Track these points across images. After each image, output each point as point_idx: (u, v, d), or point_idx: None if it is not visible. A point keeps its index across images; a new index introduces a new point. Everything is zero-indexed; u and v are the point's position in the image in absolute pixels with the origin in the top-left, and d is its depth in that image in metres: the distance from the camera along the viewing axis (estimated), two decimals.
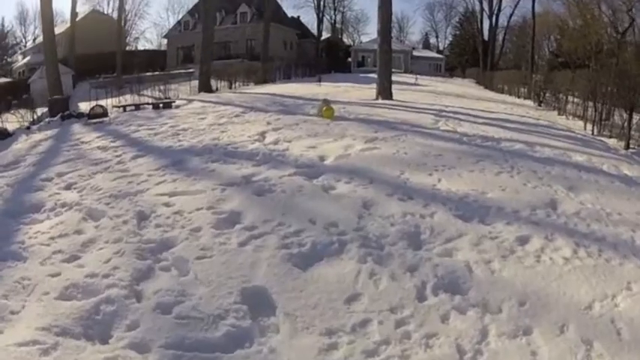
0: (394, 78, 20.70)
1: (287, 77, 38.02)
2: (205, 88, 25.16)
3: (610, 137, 13.04)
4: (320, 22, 61.71)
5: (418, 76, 41.18)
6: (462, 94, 26.12)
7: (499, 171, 7.47)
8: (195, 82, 26.28)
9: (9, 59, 67.38)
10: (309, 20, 65.32)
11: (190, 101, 18.26)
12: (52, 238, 5.12)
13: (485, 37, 54.25)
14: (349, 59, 58.02)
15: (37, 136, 12.23)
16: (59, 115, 14.85)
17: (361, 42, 67.73)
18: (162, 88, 23.38)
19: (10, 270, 4.41)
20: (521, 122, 14.27)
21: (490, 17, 52.89)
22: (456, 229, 5.16)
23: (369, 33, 72.31)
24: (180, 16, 61.89)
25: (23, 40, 72.33)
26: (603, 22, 38.45)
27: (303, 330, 3.52)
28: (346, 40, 72.39)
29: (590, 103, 14.95)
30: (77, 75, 38.66)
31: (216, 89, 26.64)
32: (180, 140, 9.96)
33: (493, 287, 4.05)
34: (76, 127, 12.99)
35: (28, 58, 53.78)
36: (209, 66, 26.55)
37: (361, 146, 8.77)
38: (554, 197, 6.36)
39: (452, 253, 4.64)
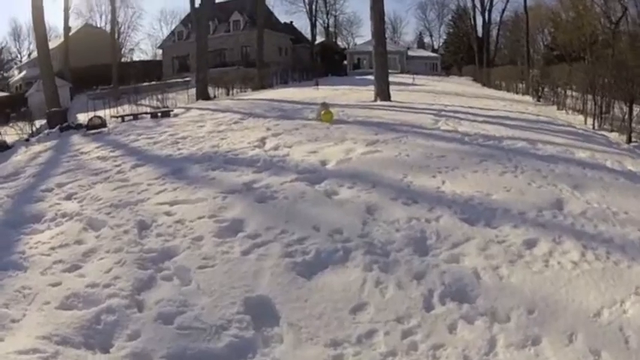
0: (391, 79, 20.62)
1: (284, 82, 38.03)
2: (203, 95, 25.17)
3: (611, 131, 12.94)
4: (313, 26, 62.01)
5: (415, 75, 41.16)
6: (460, 92, 26.09)
7: (503, 171, 7.38)
8: (193, 91, 26.33)
9: (5, 74, 67.48)
10: (303, 25, 65.73)
11: (188, 109, 18.22)
12: (53, 248, 5.08)
13: (480, 33, 54.45)
14: (345, 62, 58.12)
15: (37, 148, 12.20)
16: (58, 127, 14.85)
17: (356, 44, 67.95)
18: (159, 97, 23.43)
19: (11, 279, 4.38)
20: (522, 119, 14.21)
21: (482, 13, 53.27)
22: (462, 233, 5.06)
23: (363, 35, 72.99)
24: (173, 27, 62.41)
25: (18, 55, 72.75)
26: (596, 12, 38.49)
27: (308, 341, 3.44)
28: (340, 43, 72.72)
29: (589, 97, 14.84)
30: (74, 87, 38.85)
31: (214, 97, 26.61)
32: (179, 148, 9.90)
33: (501, 294, 3.95)
34: (75, 138, 12.97)
35: (24, 72, 54.06)
36: (205, 74, 26.57)
37: (362, 149, 8.68)
38: (560, 197, 6.25)
39: (459, 259, 4.54)
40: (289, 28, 61.33)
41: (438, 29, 77.20)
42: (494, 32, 55.91)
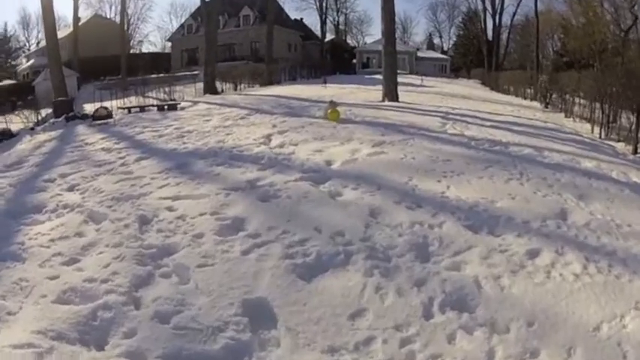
0: (400, 79, 20.57)
1: (292, 79, 38.00)
2: (210, 90, 25.17)
3: (618, 141, 12.81)
4: (323, 23, 61.70)
5: (423, 77, 41.01)
6: (467, 95, 25.97)
7: (509, 178, 7.31)
8: (200, 84, 26.33)
9: (13, 62, 67.71)
10: (312, 22, 65.65)
11: (195, 103, 18.20)
12: (52, 240, 5.08)
13: (489, 36, 54.10)
14: (354, 61, 57.99)
15: (41, 137, 12.24)
16: (64, 117, 14.86)
17: (365, 43, 67.83)
18: (167, 90, 23.40)
19: (9, 271, 4.38)
20: (529, 125, 14.10)
21: (493, 16, 52.78)
22: (465, 240, 5.00)
23: (373, 34, 72.78)
24: (183, 20, 62.46)
25: (27, 44, 72.90)
26: (606, 20, 38.28)
27: (305, 346, 3.40)
28: (350, 41, 72.53)
29: (597, 105, 14.71)
30: (82, 77, 38.90)
31: (222, 91, 26.63)
32: (184, 143, 9.88)
33: (502, 305, 3.89)
34: (81, 129, 13.00)
35: (32, 60, 54.24)
36: (214, 68, 26.57)
37: (368, 150, 8.64)
38: (565, 207, 6.18)
39: (460, 267, 4.48)
40: (299, 24, 61.22)
41: (448, 31, 76.94)
42: (504, 36, 55.63)
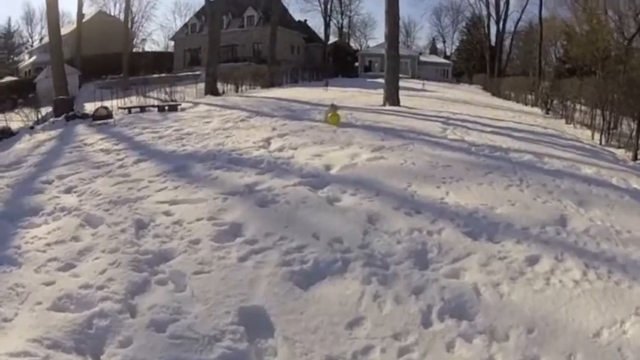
0: (401, 84, 20.58)
1: (294, 81, 37.93)
2: (212, 91, 25.14)
3: (618, 147, 12.81)
4: (327, 26, 62.00)
5: (425, 81, 41.01)
6: (469, 100, 25.96)
7: (508, 184, 7.29)
8: (202, 85, 26.31)
9: (15, 58, 67.76)
10: (316, 24, 65.76)
11: (196, 104, 18.16)
12: (49, 245, 5.03)
13: (493, 42, 54.10)
14: (356, 64, 58.01)
15: (41, 136, 12.21)
16: (64, 116, 14.81)
17: (368, 46, 67.86)
18: (168, 90, 23.36)
19: (5, 275, 4.35)
20: (530, 131, 14.08)
21: (497, 22, 52.78)
22: (464, 247, 4.97)
23: (377, 38, 72.54)
24: (187, 19, 62.31)
25: (30, 40, 73.07)
26: (610, 27, 38.21)
27: (302, 356, 3.35)
28: (353, 44, 72.56)
29: (598, 112, 14.71)
30: (83, 75, 38.96)
31: (223, 92, 26.58)
32: (184, 145, 9.85)
33: (501, 313, 3.86)
34: (80, 128, 12.96)
35: (34, 57, 54.31)
36: (215, 69, 26.55)
37: (368, 155, 8.61)
38: (564, 213, 6.17)
39: (459, 274, 4.45)
40: (303, 26, 61.25)
41: (452, 36, 76.89)
42: (507, 42, 55.51)
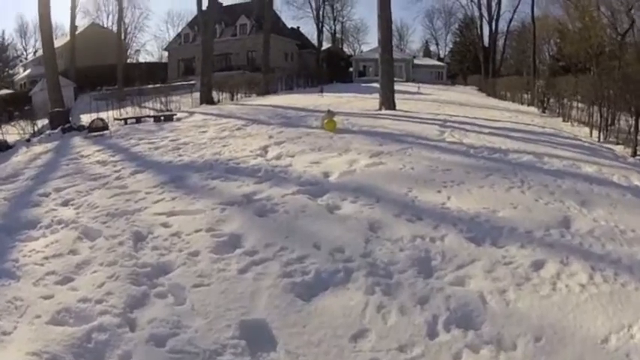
0: (396, 87, 20.55)
1: (289, 88, 38.02)
2: (207, 100, 25.15)
3: (617, 144, 12.80)
4: (320, 32, 62.21)
5: (420, 84, 41.03)
6: (465, 102, 25.97)
7: (509, 186, 7.21)
8: (197, 94, 26.33)
9: (10, 71, 67.75)
10: (309, 31, 65.77)
11: (192, 114, 18.14)
12: (47, 258, 4.97)
13: (486, 43, 54.29)
14: (350, 69, 58.14)
15: (37, 149, 12.21)
16: (60, 128, 14.84)
17: (362, 51, 68.11)
18: (163, 100, 23.35)
19: (3, 289, 4.31)
20: (527, 131, 14.04)
21: (490, 23, 53.08)
22: (468, 253, 4.88)
23: (370, 42, 72.85)
24: (179, 29, 62.51)
25: (24, 53, 73.06)
26: (603, 23, 38.36)
27: None
28: (347, 49, 72.87)
29: (595, 109, 14.68)
30: (78, 87, 38.96)
31: (218, 101, 26.59)
32: (180, 155, 9.81)
33: (508, 321, 3.77)
34: (77, 140, 12.97)
35: (29, 70, 54.28)
36: (210, 78, 26.55)
37: (366, 161, 8.54)
38: (567, 214, 6.09)
39: (464, 282, 4.35)
40: (296, 33, 61.45)
41: (445, 38, 77.20)
42: (500, 42, 55.73)
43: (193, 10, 49.10)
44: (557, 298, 4.11)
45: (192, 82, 34.57)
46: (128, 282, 4.31)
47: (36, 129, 17.12)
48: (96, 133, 13.68)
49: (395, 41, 60.74)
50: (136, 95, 25.34)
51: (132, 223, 5.78)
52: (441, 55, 75.99)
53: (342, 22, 71.63)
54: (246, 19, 52.37)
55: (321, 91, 29.74)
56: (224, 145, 10.53)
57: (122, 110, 21.09)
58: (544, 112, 21.82)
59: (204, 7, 28.42)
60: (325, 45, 64.30)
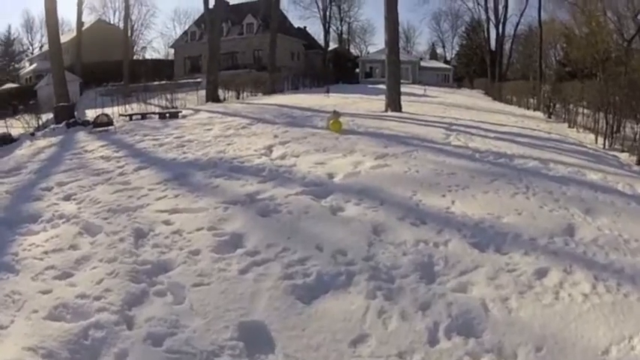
0: (402, 89, 20.49)
1: (295, 88, 37.99)
2: (213, 98, 25.16)
3: (622, 151, 12.67)
4: (326, 32, 62.31)
5: (426, 87, 40.96)
6: (471, 105, 25.89)
7: (514, 192, 7.15)
8: (203, 92, 26.36)
9: (16, 65, 68.02)
10: (316, 31, 66.07)
11: (197, 111, 18.14)
12: (46, 252, 4.96)
13: (493, 46, 54.17)
14: (357, 70, 58.09)
15: (41, 143, 12.23)
16: (64, 123, 14.83)
17: (368, 52, 68.07)
18: (169, 97, 23.38)
19: (2, 282, 4.30)
20: (533, 136, 13.96)
21: (496, 26, 52.89)
22: (471, 259, 4.82)
23: (377, 43, 72.90)
24: (186, 27, 62.72)
25: (30, 47, 73.40)
26: (609, 29, 38.21)
27: None
28: (353, 50, 72.84)
29: (601, 115, 14.56)
30: (84, 82, 39.08)
31: (224, 99, 26.60)
32: (184, 152, 9.78)
33: (509, 329, 3.71)
34: (81, 135, 12.98)
35: (35, 64, 54.55)
36: (216, 76, 26.59)
37: (371, 163, 8.49)
38: (572, 222, 6.01)
39: (467, 289, 4.30)
40: (302, 33, 61.47)
41: (451, 40, 77.04)
42: (507, 46, 55.51)
43: (200, 8, 49.08)
44: (559, 307, 4.05)
45: (198, 79, 34.58)
46: (127, 279, 4.29)
47: (40, 123, 17.18)
48: (100, 129, 13.66)
49: (402, 43, 60.44)
50: (142, 92, 25.46)
51: (133, 220, 5.76)
52: (448, 58, 75.90)
53: (349, 23, 71.73)
54: (253, 18, 52.46)
55: (327, 92, 29.70)
56: (229, 144, 10.50)
57: (127, 106, 21.18)
58: (550, 117, 21.70)
59: (210, 6, 28.48)
60: (332, 45, 64.44)
